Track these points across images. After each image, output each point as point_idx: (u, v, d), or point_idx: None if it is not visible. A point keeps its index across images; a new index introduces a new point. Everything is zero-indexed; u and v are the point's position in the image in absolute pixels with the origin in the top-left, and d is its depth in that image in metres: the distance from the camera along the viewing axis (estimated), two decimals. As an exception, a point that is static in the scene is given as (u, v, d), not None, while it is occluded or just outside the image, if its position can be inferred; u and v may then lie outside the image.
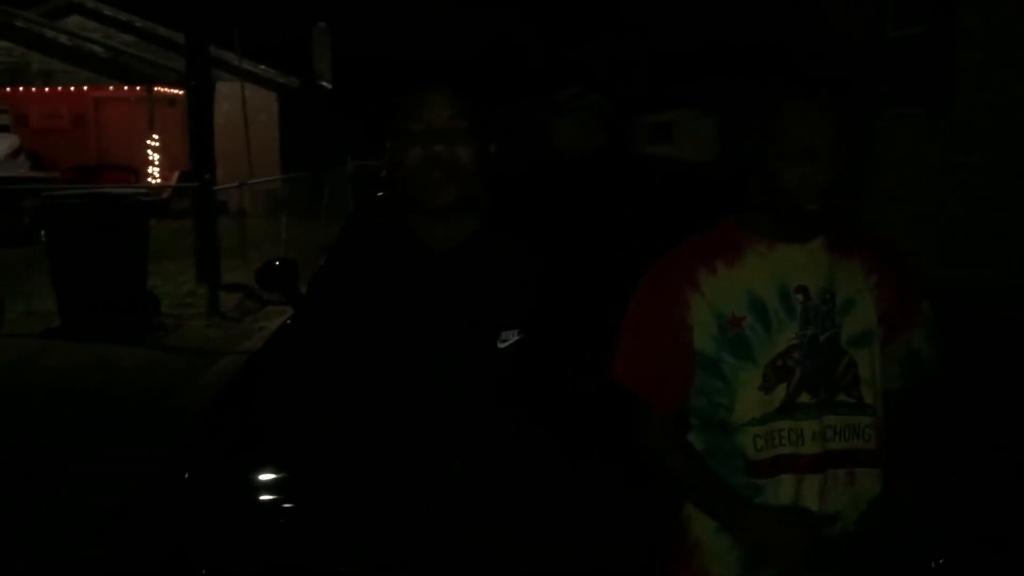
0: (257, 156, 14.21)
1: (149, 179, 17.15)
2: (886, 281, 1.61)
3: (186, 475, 2.26)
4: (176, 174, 15.90)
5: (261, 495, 2.21)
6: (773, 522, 1.52)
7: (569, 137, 2.74)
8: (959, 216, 7.96)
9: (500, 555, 1.61)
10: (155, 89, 17.64)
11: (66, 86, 17.69)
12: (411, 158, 1.55)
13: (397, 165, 1.56)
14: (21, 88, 17.70)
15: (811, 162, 1.49)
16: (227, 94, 14.57)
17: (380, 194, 2.77)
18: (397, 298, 1.59)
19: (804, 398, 1.55)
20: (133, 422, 4.91)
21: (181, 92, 16.40)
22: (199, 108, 9.39)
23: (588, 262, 1.75)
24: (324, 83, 21.59)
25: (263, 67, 18.01)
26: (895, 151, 8.22)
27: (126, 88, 17.74)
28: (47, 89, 17.72)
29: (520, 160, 3.13)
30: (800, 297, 1.56)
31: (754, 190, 1.59)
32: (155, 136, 17.66)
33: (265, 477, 2.23)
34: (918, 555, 2.01)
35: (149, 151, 17.69)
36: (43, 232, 7.46)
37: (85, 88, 17.79)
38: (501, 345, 1.57)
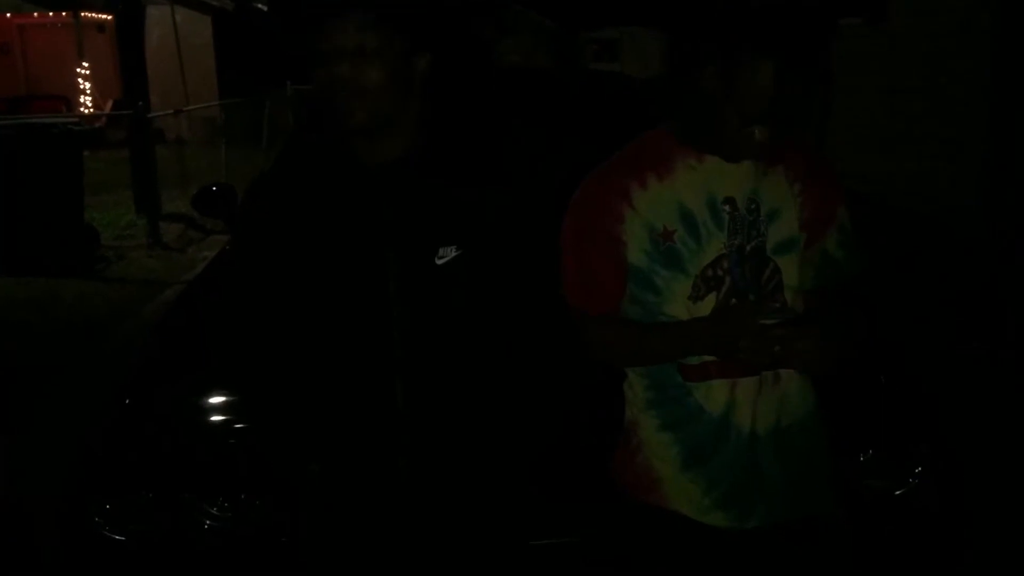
0: (193, 83, 13.79)
1: (82, 108, 16.57)
2: (809, 189, 1.63)
3: (127, 401, 2.26)
4: (109, 103, 15.40)
5: (208, 417, 2.22)
6: (716, 321, 1.56)
7: (514, 56, 2.70)
8: (896, 127, 8.07)
9: (446, 466, 1.64)
10: (82, 15, 16.90)
11: (-13, 13, 16.92)
12: (320, 79, 1.52)
13: (315, 86, 1.54)
14: (-61, 17, 16.90)
15: (764, 121, 1.49)
16: (159, 19, 14.04)
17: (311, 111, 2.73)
18: (333, 214, 1.57)
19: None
20: (78, 354, 4.86)
21: (110, 17, 15.82)
22: (129, 34, 9.10)
23: (531, 180, 1.76)
24: (260, 5, 20.93)
25: (195, -11, 17.37)
26: (832, 62, 8.26)
27: (51, 14, 16.96)
28: (-33, 17, 16.94)
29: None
30: (728, 208, 1.58)
31: (687, 104, 1.58)
32: (85, 64, 17.00)
33: (212, 400, 2.24)
34: (844, 448, 2.10)
35: (80, 80, 17.04)
36: (-29, 166, 7.22)
37: (8, 15, 17.01)
38: (438, 262, 1.56)
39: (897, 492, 2.14)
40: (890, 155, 7.99)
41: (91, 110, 16.43)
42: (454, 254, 1.57)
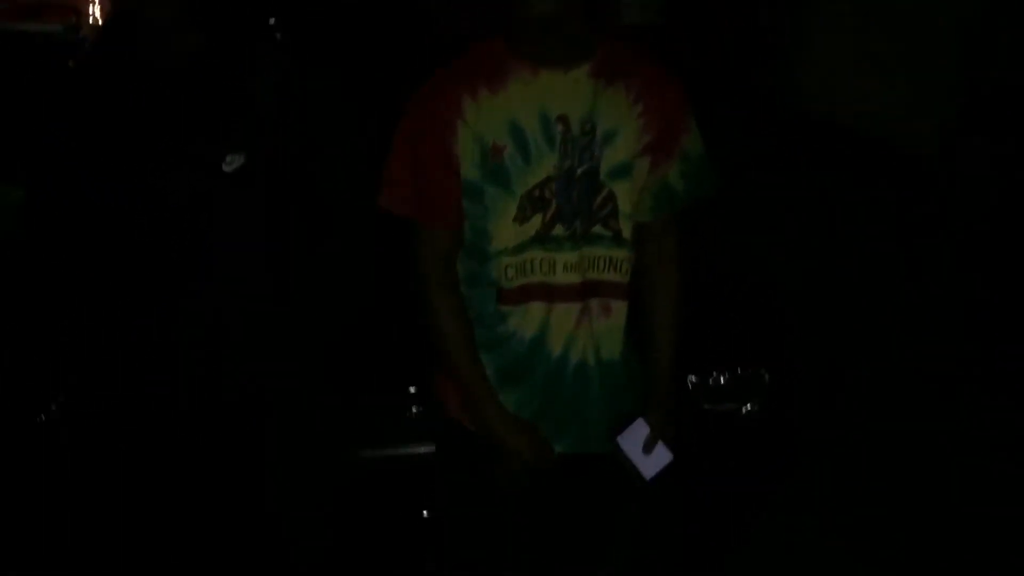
0: None
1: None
2: (652, 110, 1.58)
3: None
4: None
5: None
6: (514, 430, 1.61)
7: None
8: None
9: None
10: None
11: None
12: None
13: None
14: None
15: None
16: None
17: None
18: (124, 120, 1.55)
19: (558, 230, 1.57)
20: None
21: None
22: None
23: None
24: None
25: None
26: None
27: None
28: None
29: None
30: (560, 127, 1.54)
31: (518, 11, 1.51)
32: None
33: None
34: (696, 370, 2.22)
35: None
36: None
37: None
38: (226, 169, 1.54)
39: (743, 412, 2.27)
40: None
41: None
42: (241, 162, 1.56)
